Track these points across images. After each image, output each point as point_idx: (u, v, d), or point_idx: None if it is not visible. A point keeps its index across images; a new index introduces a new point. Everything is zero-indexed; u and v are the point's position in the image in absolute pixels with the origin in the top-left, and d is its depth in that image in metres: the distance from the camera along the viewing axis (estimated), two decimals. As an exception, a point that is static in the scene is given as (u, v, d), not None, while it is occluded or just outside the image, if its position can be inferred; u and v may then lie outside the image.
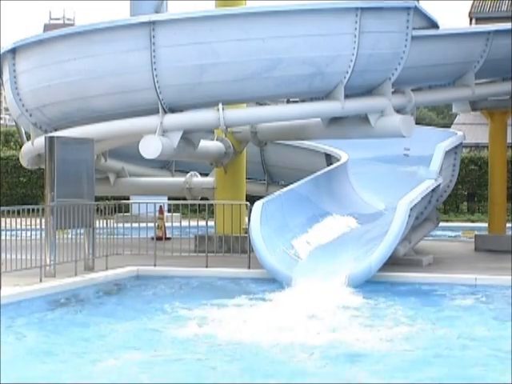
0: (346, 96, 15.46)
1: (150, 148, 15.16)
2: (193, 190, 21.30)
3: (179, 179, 21.89)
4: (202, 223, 18.53)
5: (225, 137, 18.86)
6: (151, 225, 19.92)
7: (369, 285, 13.53)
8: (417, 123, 17.60)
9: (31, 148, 17.31)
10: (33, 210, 13.85)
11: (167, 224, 21.49)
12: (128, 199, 23.92)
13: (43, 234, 13.71)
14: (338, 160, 18.88)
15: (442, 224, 20.68)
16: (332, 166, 18.42)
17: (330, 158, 19.99)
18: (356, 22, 14.94)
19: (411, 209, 14.58)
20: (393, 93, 16.16)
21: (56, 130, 16.39)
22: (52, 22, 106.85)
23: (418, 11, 15.49)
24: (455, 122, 41.61)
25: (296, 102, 17.19)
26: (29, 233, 13.80)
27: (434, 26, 16.17)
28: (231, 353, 9.41)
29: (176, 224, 20.01)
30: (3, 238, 12.95)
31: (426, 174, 16.21)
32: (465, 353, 9.60)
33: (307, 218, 16.06)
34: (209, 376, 8.54)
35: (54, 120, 16.49)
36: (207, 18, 15.00)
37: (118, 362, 8.99)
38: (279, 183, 22.31)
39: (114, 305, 12.63)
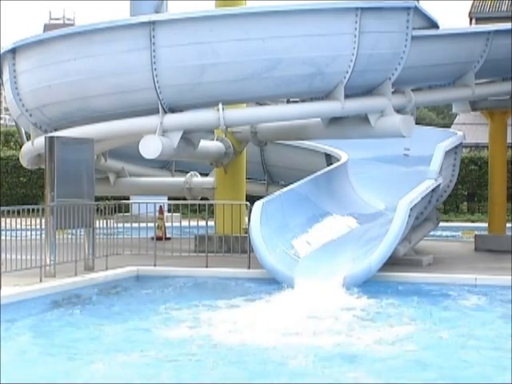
0: (346, 96, 15.46)
1: (150, 148, 15.16)
2: (193, 190, 21.30)
3: (179, 179, 21.89)
4: (202, 223, 18.53)
5: (225, 137, 18.86)
6: (151, 225, 19.93)
7: (369, 285, 13.52)
8: (417, 123, 17.59)
9: (31, 148, 17.32)
10: (33, 209, 13.85)
11: (167, 224, 21.49)
12: (128, 199, 23.91)
13: (43, 234, 13.71)
14: (338, 160, 18.88)
15: (442, 224, 20.67)
16: (332, 166, 18.42)
17: (330, 158, 19.99)
18: (356, 22, 14.93)
19: (411, 209, 14.57)
20: (393, 93, 16.16)
21: (56, 130, 16.39)
22: (52, 22, 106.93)
23: (418, 11, 15.49)
24: (455, 122, 41.62)
25: (296, 102, 17.19)
26: (29, 233, 13.81)
27: (434, 26, 16.17)
28: (230, 353, 9.39)
29: (176, 224, 20.01)
30: (3, 238, 12.95)
31: (426, 173, 16.20)
32: (465, 353, 9.59)
33: (307, 218, 16.06)
34: (207, 377, 8.52)
35: (54, 120, 16.49)
36: (207, 18, 15.00)
37: (119, 362, 9.00)
38: (279, 183, 22.30)
39: (113, 305, 12.61)
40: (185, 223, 17.03)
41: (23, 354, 9.40)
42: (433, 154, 16.43)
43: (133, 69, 15.09)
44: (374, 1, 15.45)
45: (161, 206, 22.20)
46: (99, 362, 8.93)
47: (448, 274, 14.60)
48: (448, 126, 43.52)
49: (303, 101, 16.69)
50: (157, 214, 19.97)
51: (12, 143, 37.77)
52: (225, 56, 14.87)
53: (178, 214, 21.66)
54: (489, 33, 16.95)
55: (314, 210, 16.47)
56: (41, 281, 12.98)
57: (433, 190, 16.07)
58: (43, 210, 13.86)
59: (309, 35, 14.98)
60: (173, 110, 15.44)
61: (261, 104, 18.52)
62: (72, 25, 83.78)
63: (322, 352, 9.39)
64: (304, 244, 15.18)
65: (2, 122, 76.35)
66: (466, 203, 32.85)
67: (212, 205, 19.05)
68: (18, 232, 13.71)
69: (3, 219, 13.01)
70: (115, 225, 15.63)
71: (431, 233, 19.59)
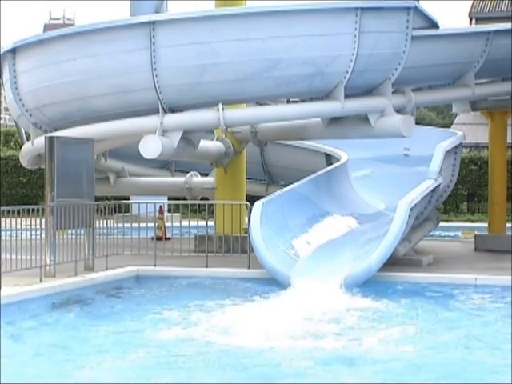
0: (346, 96, 15.46)
1: (150, 148, 15.15)
2: (193, 190, 21.30)
3: (179, 179, 21.89)
4: (202, 223, 18.53)
5: (225, 137, 18.86)
6: (151, 225, 19.92)
7: (369, 285, 13.52)
8: (417, 123, 17.59)
9: (31, 148, 17.31)
10: (33, 210, 13.85)
11: (167, 224, 21.48)
12: (128, 199, 23.91)
13: (43, 234, 13.71)
14: (338, 160, 18.88)
15: (442, 224, 20.67)
16: (332, 166, 18.42)
17: (330, 158, 19.99)
18: (356, 22, 14.93)
19: (411, 209, 14.57)
20: (393, 93, 16.16)
21: (56, 130, 16.39)
22: (52, 22, 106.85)
23: (418, 11, 15.49)
24: (455, 122, 41.61)
25: (296, 102, 17.19)
26: (29, 233, 13.81)
27: (434, 26, 16.17)
28: (227, 355, 9.36)
29: (176, 224, 20.00)
30: (3, 238, 12.95)
31: (426, 173, 16.20)
32: (465, 353, 9.59)
33: (307, 218, 16.06)
34: (203, 379, 8.51)
35: (54, 120, 16.49)
36: (207, 18, 15.00)
37: (119, 363, 9.00)
38: (279, 183, 22.31)
39: (113, 305, 12.60)
40: (185, 223, 17.02)
41: (23, 355, 9.39)
42: (433, 154, 16.43)
43: (133, 69, 15.09)
44: (373, 1, 15.45)
45: (161, 206, 22.20)
46: (99, 363, 8.93)
47: (448, 274, 14.60)
48: (448, 126, 43.52)
49: (303, 101, 16.69)
50: (157, 214, 19.97)
51: (12, 143, 37.77)
52: (225, 56, 14.87)
53: (178, 214, 21.65)
54: (489, 33, 16.95)
55: (314, 210, 16.47)
56: (41, 281, 12.98)
57: (433, 190, 16.08)
58: (43, 210, 13.86)
59: (309, 35, 14.98)
60: (173, 110, 15.44)
61: (261, 104, 18.52)
62: (72, 25, 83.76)
63: (320, 353, 9.37)
64: (304, 244, 15.18)
65: (2, 122, 76.36)
66: (466, 203, 32.84)
67: (212, 205, 19.05)
68: (18, 232, 13.71)
69: (3, 219, 13.01)
70: (115, 225, 15.63)
71: (431, 233, 19.59)
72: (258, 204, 14.79)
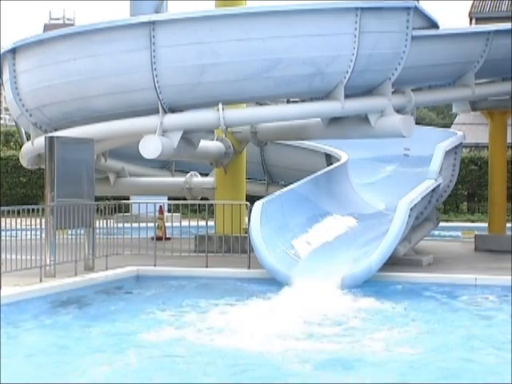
0: (346, 96, 15.45)
1: (150, 148, 15.15)
2: (193, 190, 21.30)
3: (179, 179, 21.89)
4: (202, 223, 18.53)
5: (225, 137, 18.86)
6: (151, 225, 19.93)
7: (369, 285, 13.52)
8: (417, 123, 17.59)
9: (31, 148, 17.32)
10: (33, 209, 13.85)
11: (167, 224, 21.49)
12: (128, 199, 23.91)
13: (43, 234, 13.71)
14: (338, 160, 18.88)
15: (442, 224, 20.66)
16: (332, 166, 18.42)
17: (330, 158, 19.99)
18: (356, 22, 14.93)
19: (411, 209, 14.58)
20: (393, 93, 16.16)
21: (56, 130, 16.39)
22: (52, 22, 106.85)
23: (418, 11, 15.49)
24: (455, 122, 41.61)
25: (296, 102, 17.19)
26: (29, 233, 13.80)
27: (434, 26, 16.17)
28: (226, 356, 9.35)
29: (176, 224, 20.01)
30: (3, 238, 12.95)
31: (426, 173, 16.20)
32: (465, 353, 9.59)
33: (307, 218, 16.06)
34: (200, 380, 8.50)
35: (54, 120, 16.49)
36: (207, 18, 15.00)
37: (118, 363, 9.00)
38: (279, 183, 22.30)
39: (113, 306, 12.59)
40: (185, 223, 17.02)
41: (23, 355, 9.38)
42: (433, 154, 16.43)
43: (133, 69, 15.09)
44: (373, 1, 15.45)
45: (161, 206, 22.20)
46: (98, 363, 8.93)
47: (448, 274, 14.60)
48: (448, 126, 43.51)
49: (303, 101, 16.69)
50: (157, 214, 19.97)
51: (12, 143, 37.78)
52: (225, 56, 14.87)
53: (178, 214, 21.66)
54: (489, 33, 16.95)
55: (314, 209, 16.47)
56: (41, 281, 12.98)
57: (433, 190, 16.08)
58: (43, 210, 13.86)
59: (309, 35, 14.98)
60: (173, 110, 15.44)
61: (261, 104, 18.52)
62: (72, 25, 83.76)
63: (320, 353, 9.37)
64: (304, 244, 15.18)
65: (2, 122, 76.34)
66: (466, 203, 32.84)
67: (212, 205, 19.05)
68: (18, 232, 13.70)
69: (3, 219, 13.00)
70: (115, 225, 15.63)
71: (431, 233, 19.58)
72: (257, 204, 14.79)
